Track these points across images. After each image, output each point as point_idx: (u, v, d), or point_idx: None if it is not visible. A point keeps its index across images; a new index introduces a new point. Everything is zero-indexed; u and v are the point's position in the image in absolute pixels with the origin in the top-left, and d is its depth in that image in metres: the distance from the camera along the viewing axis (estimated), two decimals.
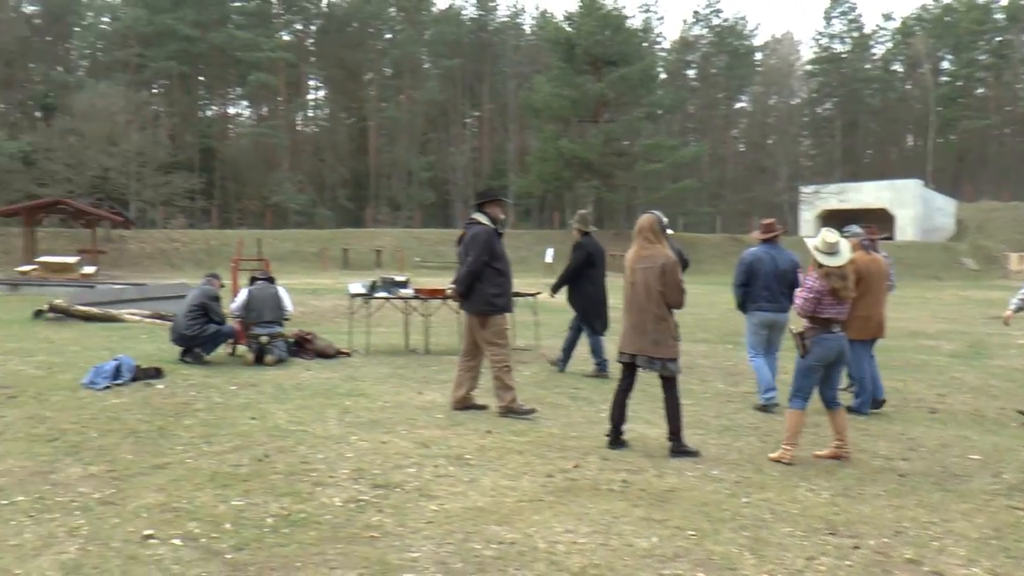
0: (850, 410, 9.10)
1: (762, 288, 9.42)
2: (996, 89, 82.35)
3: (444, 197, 76.37)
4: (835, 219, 61.30)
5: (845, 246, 7.35)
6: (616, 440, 7.50)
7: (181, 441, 7.20)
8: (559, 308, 19.04)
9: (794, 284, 9.15)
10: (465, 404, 8.88)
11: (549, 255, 36.72)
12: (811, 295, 7.26)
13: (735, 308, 10.04)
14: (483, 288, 8.62)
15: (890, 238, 57.84)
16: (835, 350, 7.31)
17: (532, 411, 8.66)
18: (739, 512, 5.72)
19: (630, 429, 8.07)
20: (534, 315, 14.52)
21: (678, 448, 7.35)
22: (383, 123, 77.95)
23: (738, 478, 6.61)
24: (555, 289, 11.81)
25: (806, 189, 64.97)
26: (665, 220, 7.68)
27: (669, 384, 7.46)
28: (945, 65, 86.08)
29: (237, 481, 6.04)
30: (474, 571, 4.54)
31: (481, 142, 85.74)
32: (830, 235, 7.39)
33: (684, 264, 11.03)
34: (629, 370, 7.62)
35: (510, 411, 8.60)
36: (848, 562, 4.89)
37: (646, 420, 8.64)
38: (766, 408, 9.40)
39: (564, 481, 6.31)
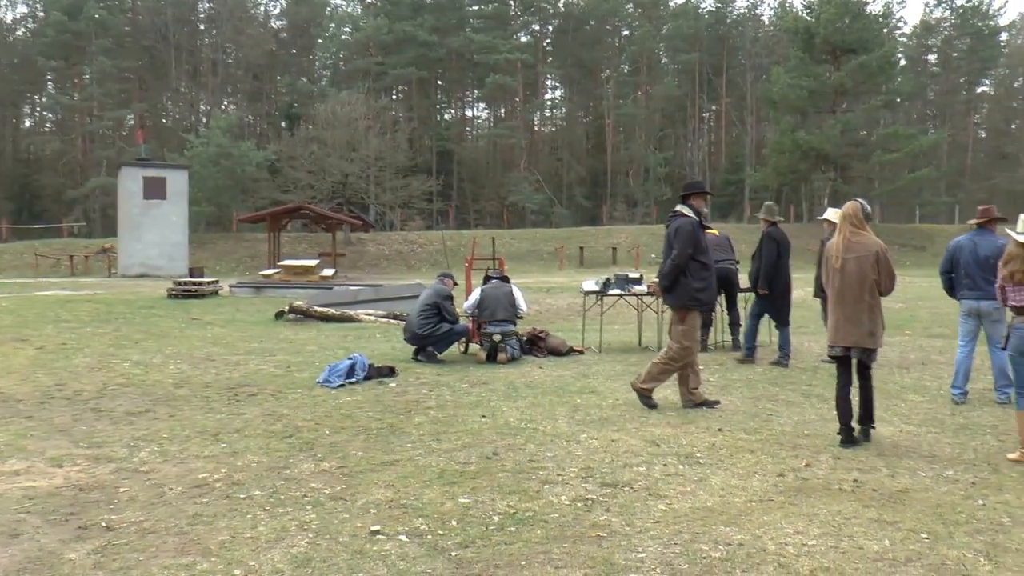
0: None
1: (964, 276, 9.20)
2: None
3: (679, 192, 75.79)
4: None
5: None
6: (848, 437, 7.34)
7: (411, 439, 7.49)
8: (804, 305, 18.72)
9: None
10: (694, 401, 8.85)
11: None
12: (998, 286, 7.13)
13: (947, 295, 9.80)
14: (687, 282, 8.59)
15: None
16: None
17: (655, 406, 8.68)
18: (975, 515, 5.53)
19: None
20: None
21: (868, 434, 7.38)
22: (620, 120, 78.27)
23: (974, 479, 6.37)
24: (764, 286, 11.67)
25: None
26: (868, 208, 7.59)
27: (868, 373, 7.46)
28: None
29: (465, 479, 6.22)
30: (700, 572, 4.53)
31: (718, 136, 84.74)
32: None
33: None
34: (845, 364, 7.48)
35: (641, 392, 8.67)
36: None
37: (880, 418, 8.39)
38: (955, 402, 9.19)
39: (795, 481, 6.24)
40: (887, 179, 54.77)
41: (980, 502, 5.81)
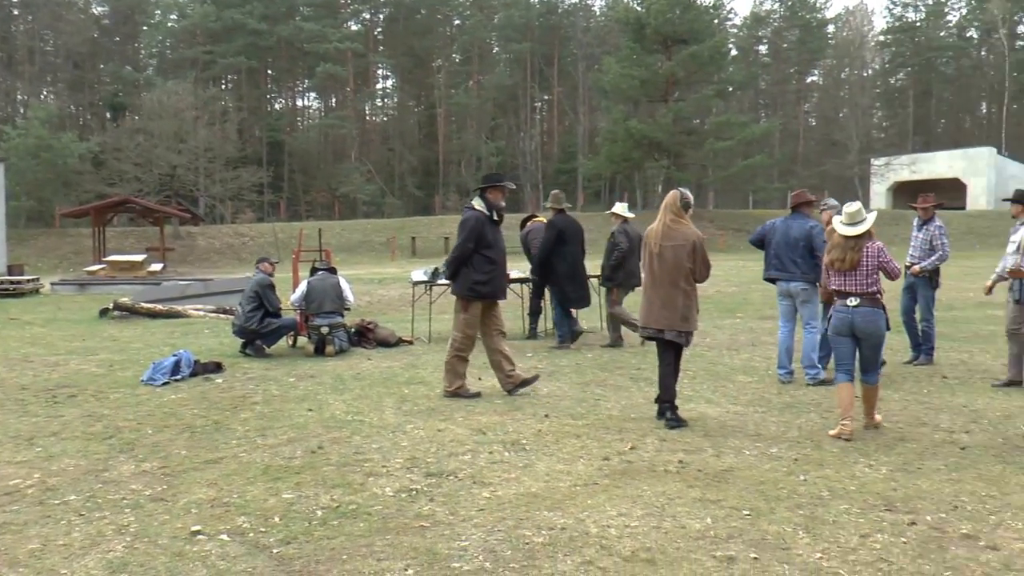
0: None
1: (773, 256, 9.55)
2: None
3: (514, 182, 76.32)
4: (906, 190, 60.22)
5: (869, 218, 7.40)
6: (667, 412, 7.64)
7: (236, 435, 7.29)
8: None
9: (808, 252, 9.24)
10: (513, 383, 8.90)
11: None
12: (823, 268, 7.61)
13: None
14: (469, 273, 8.67)
15: (962, 208, 56.55)
16: (845, 323, 7.32)
17: (479, 394, 8.75)
18: (796, 490, 5.67)
19: (691, 408, 8.11)
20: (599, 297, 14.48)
21: (675, 422, 7.53)
22: (452, 110, 78.19)
23: (797, 456, 6.55)
24: (536, 271, 12.22)
25: (877, 161, 63.63)
26: (690, 197, 7.79)
27: (679, 355, 7.74)
28: (1021, 29, 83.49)
29: (289, 474, 6.10)
30: (523, 558, 4.53)
31: (550, 125, 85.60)
32: (852, 206, 7.47)
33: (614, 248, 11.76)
34: (663, 345, 7.70)
35: (456, 396, 8.68)
36: (903, 539, 4.82)
37: (707, 399, 8.62)
38: (782, 382, 9.54)
39: (620, 464, 6.29)
40: (720, 166, 56.38)
41: (802, 478, 5.97)
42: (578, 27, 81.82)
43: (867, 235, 7.36)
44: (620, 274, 11.98)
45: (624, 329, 12.17)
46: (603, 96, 58.65)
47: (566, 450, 6.67)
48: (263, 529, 5.00)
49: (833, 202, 9.98)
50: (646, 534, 4.85)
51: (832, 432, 7.20)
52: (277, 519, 5.16)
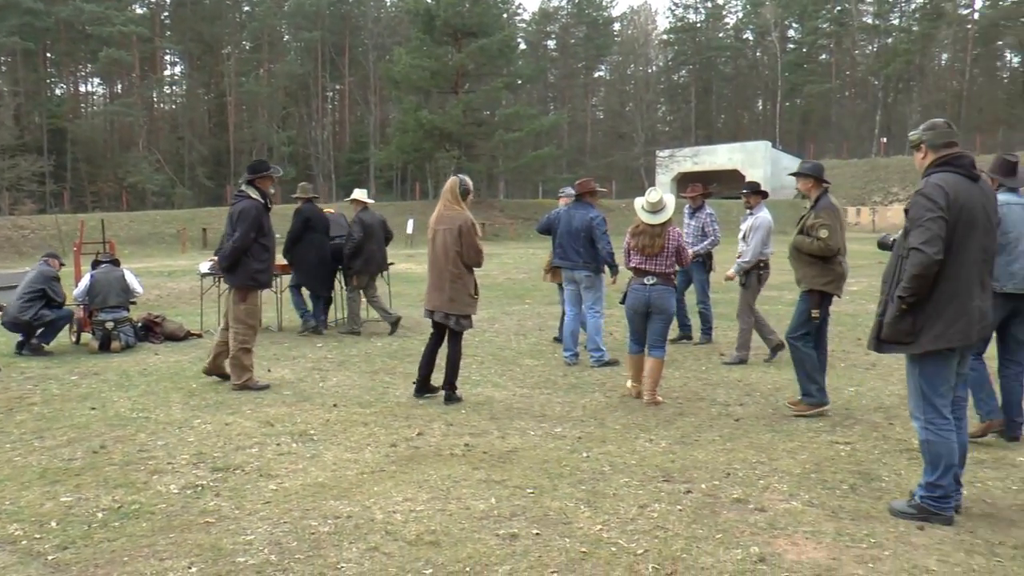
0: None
1: (558, 245, 9.88)
2: (837, 55, 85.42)
3: (306, 172, 74.84)
4: (689, 180, 62.63)
5: (670, 204, 7.93)
6: (421, 388, 8.04)
7: (11, 438, 6.84)
8: (415, 278, 19.13)
9: (590, 242, 9.57)
10: (210, 372, 8.92)
11: (410, 226, 36.65)
12: (625, 247, 8.02)
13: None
14: (248, 263, 8.54)
15: (738, 197, 59.50)
16: (642, 299, 7.89)
17: (267, 386, 8.66)
18: (579, 467, 5.84)
19: (478, 393, 8.24)
20: (387, 285, 14.47)
21: (451, 396, 7.86)
22: (242, 98, 75.92)
23: (581, 434, 6.75)
24: (287, 257, 12.31)
25: (662, 153, 66.30)
26: (469, 184, 8.00)
27: (455, 337, 7.92)
28: (791, 33, 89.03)
29: (69, 476, 5.80)
30: (308, 548, 4.48)
31: (342, 115, 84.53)
32: (653, 194, 7.94)
33: (387, 237, 12.19)
34: (437, 326, 8.00)
35: (245, 388, 8.56)
36: (679, 506, 5.05)
37: (495, 384, 8.75)
38: (567, 364, 9.85)
39: (407, 450, 6.32)
40: (510, 157, 57.10)
41: (585, 455, 6.15)
42: (369, 17, 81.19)
43: (669, 222, 7.90)
44: (358, 262, 12.07)
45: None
46: (394, 87, 58.17)
47: (354, 439, 6.64)
48: (38, 536, 4.73)
49: (569, 190, 10.63)
50: (431, 517, 4.89)
51: (627, 387, 8.06)
52: (54, 524, 4.90)
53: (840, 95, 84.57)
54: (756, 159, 63.22)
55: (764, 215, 9.71)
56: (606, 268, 9.74)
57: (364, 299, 12.48)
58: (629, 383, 8.25)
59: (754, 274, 9.70)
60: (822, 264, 7.27)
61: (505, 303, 16.29)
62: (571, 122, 77.51)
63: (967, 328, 4.73)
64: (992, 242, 4.87)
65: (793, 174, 7.76)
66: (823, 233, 7.17)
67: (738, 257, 9.74)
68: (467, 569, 4.21)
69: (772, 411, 7.55)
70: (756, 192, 9.90)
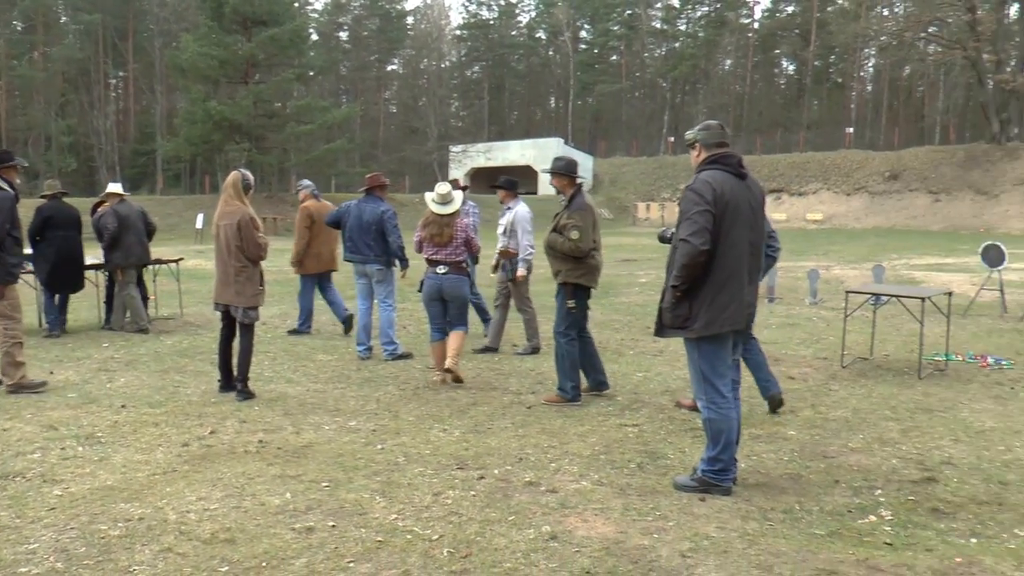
0: (291, 332, 11.50)
1: (348, 239, 9.84)
2: (627, 57, 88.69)
3: (88, 164, 71.24)
4: (483, 176, 63.62)
5: (458, 198, 8.35)
6: (226, 384, 7.96)
7: None
8: (205, 275, 18.56)
9: (380, 235, 9.61)
10: None
11: (199, 221, 35.52)
12: (416, 239, 8.39)
13: None
14: (4, 257, 8.04)
15: (534, 193, 60.83)
16: (435, 288, 8.30)
17: (44, 384, 8.27)
18: (374, 459, 5.84)
19: (271, 389, 8.11)
20: (177, 282, 13.98)
21: (244, 392, 7.77)
22: (15, 83, 71.24)
23: (375, 427, 6.75)
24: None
25: (455, 148, 66.76)
26: (250, 178, 7.94)
27: (245, 330, 7.86)
28: (583, 34, 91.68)
29: None
30: (98, 553, 4.29)
31: (127, 104, 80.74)
32: (443, 187, 8.29)
33: (150, 229, 11.97)
34: (226, 318, 7.98)
35: (21, 388, 8.11)
36: (473, 492, 5.14)
37: (288, 379, 8.62)
38: (361, 358, 9.82)
39: (200, 449, 6.15)
40: (302, 150, 56.08)
41: (380, 447, 6.16)
42: (154, 1, 77.90)
43: (456, 213, 8.29)
44: (117, 254, 11.69)
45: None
46: (181, 75, 56.12)
47: (144, 439, 6.40)
48: None
49: (307, 182, 11.15)
50: (226, 515, 4.79)
51: (433, 378, 8.38)
52: None
53: (630, 95, 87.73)
54: (548, 155, 63.79)
55: (522, 208, 9.87)
56: (396, 262, 9.76)
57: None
58: (435, 376, 8.44)
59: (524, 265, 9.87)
60: (575, 259, 7.42)
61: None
62: (364, 116, 76.85)
63: (737, 313, 5.03)
64: (757, 237, 5.17)
65: (546, 171, 7.95)
66: (574, 235, 7.31)
67: (502, 252, 9.85)
68: (263, 564, 4.14)
69: None
70: (508, 187, 10.07)
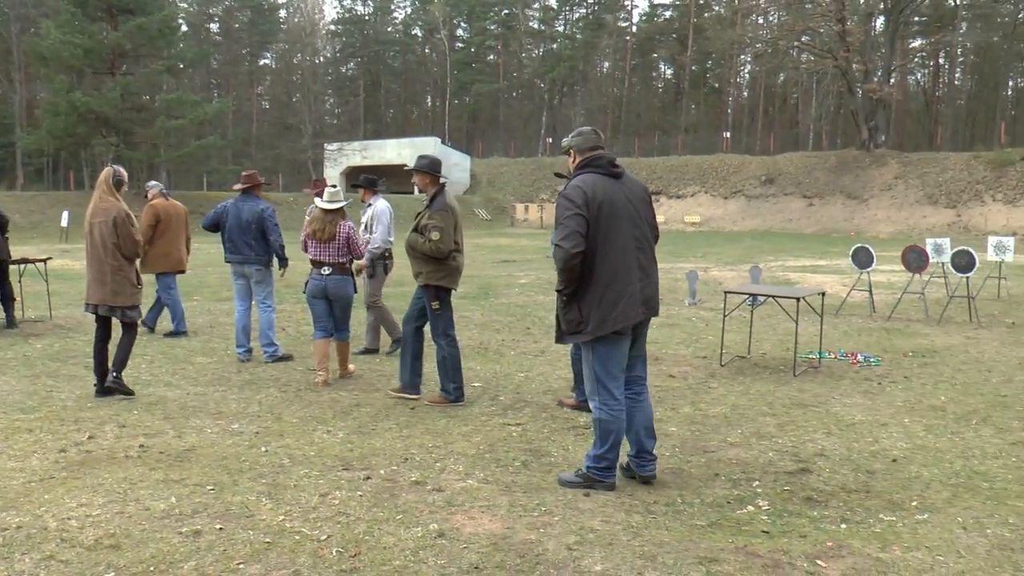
0: (168, 335, 11.24)
1: (227, 239, 9.73)
2: (505, 57, 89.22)
3: None
4: (359, 174, 62.95)
5: (340, 195, 8.52)
6: (102, 389, 7.78)
7: None
8: (73, 275, 18.03)
9: (261, 234, 9.60)
10: None
11: (65, 218, 34.31)
12: (302, 238, 8.57)
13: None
14: None
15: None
16: (319, 288, 8.41)
17: None
18: (258, 461, 5.83)
19: (150, 393, 7.98)
20: (46, 283, 13.54)
21: (117, 384, 7.72)
22: None
23: (258, 429, 6.72)
24: None
25: (331, 146, 66.08)
26: (123, 174, 7.87)
27: (128, 328, 7.85)
28: (460, 32, 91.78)
29: None
30: None
31: None
32: (333, 188, 8.57)
33: (2, 222, 11.66)
34: (101, 320, 7.89)
35: None
36: (360, 492, 5.19)
37: (167, 383, 8.48)
38: (241, 360, 9.72)
39: (79, 454, 6.02)
40: (173, 146, 54.59)
41: (264, 449, 6.15)
42: None
43: (342, 213, 8.44)
44: None
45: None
46: (42, 64, 53.92)
47: (18, 446, 6.21)
48: None
49: (154, 183, 11.28)
50: (109, 520, 4.72)
51: (315, 380, 8.41)
52: None
53: (508, 95, 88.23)
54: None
55: (382, 204, 9.97)
56: (276, 261, 9.71)
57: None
58: (319, 376, 8.42)
59: (380, 264, 9.93)
60: (436, 261, 7.43)
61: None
62: (236, 111, 75.46)
63: (629, 310, 5.18)
64: (642, 231, 5.34)
65: (409, 169, 7.95)
66: (435, 236, 7.31)
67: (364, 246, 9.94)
68: (151, 569, 4.11)
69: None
70: (368, 185, 10.13)
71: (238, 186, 9.84)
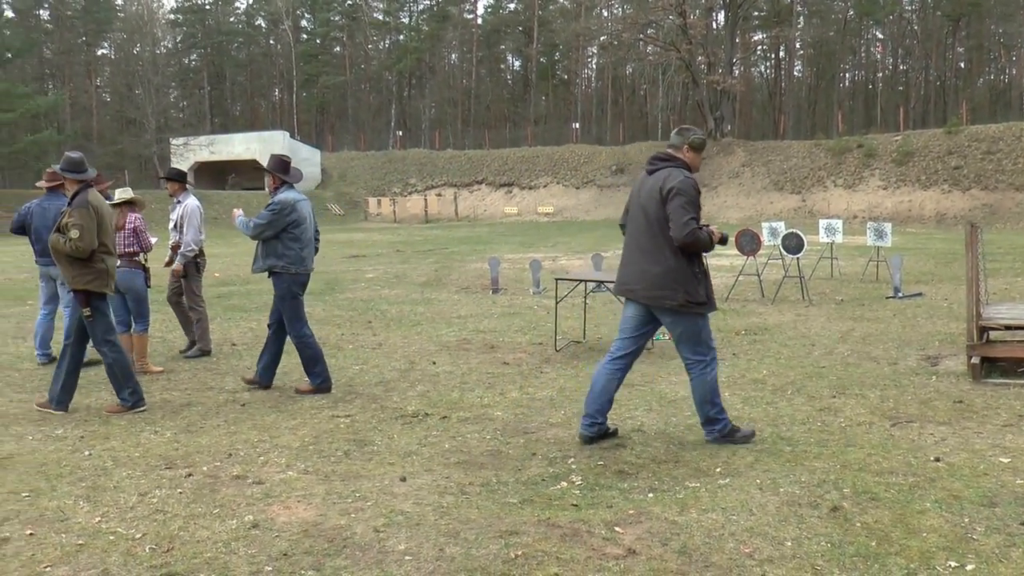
0: None
1: (35, 240, 9.36)
2: (351, 49, 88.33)
3: None
4: (208, 171, 61.80)
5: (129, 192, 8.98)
6: None
7: None
8: None
9: None
10: None
11: None
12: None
13: None
14: None
15: (262, 188, 59.56)
16: (123, 283, 8.50)
17: None
18: (80, 466, 5.77)
19: None
20: None
21: None
22: None
23: (83, 433, 6.64)
24: None
25: (176, 141, 64.28)
26: None
27: None
28: (304, 24, 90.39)
29: None
30: None
31: None
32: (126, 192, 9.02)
33: None
34: None
35: None
36: (180, 490, 5.22)
37: None
38: (40, 364, 9.50)
39: None
40: (5, 141, 52.38)
41: (87, 453, 6.08)
42: None
43: (130, 205, 8.81)
44: None
45: None
46: None
47: None
48: None
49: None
50: None
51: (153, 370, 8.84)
52: None
53: (356, 88, 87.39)
54: (274, 149, 63.14)
55: (192, 202, 9.85)
56: None
57: None
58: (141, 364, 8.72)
59: (192, 263, 9.86)
60: (81, 263, 7.03)
61: (2, 305, 15.11)
62: (74, 104, 72.64)
63: (618, 282, 6.28)
64: (642, 222, 6.11)
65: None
66: (74, 234, 6.92)
67: (174, 247, 9.85)
68: None
69: (278, 394, 7.92)
70: (177, 179, 10.06)
71: (42, 183, 9.53)
